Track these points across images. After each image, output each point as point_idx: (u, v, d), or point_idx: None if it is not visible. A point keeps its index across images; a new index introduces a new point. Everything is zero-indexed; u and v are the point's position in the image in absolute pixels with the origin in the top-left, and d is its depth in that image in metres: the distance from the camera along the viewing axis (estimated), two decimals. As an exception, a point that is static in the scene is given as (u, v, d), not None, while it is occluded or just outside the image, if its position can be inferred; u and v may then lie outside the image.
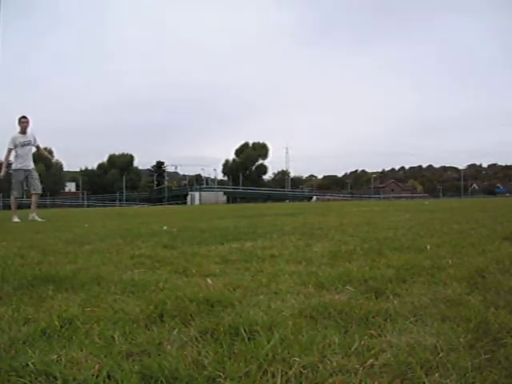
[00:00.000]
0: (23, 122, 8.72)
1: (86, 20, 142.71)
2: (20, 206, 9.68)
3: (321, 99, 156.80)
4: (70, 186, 74.81)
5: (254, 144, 76.89)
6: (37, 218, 8.59)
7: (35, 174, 8.89)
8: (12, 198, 8.92)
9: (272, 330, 1.28)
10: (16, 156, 8.72)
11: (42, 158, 9.44)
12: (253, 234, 4.19)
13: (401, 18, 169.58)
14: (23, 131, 8.74)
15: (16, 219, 8.41)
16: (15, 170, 8.78)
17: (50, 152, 70.26)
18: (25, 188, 8.98)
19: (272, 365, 1.07)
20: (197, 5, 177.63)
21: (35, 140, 8.92)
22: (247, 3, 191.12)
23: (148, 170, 77.86)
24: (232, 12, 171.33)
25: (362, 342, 1.19)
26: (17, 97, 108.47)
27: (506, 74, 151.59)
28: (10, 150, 8.69)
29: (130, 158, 76.18)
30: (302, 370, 1.05)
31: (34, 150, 9.01)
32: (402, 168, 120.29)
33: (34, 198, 8.98)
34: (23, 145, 8.72)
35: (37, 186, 8.84)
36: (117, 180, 68.34)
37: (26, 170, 8.77)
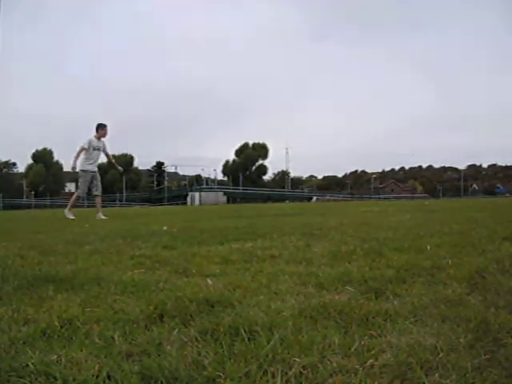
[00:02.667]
0: (103, 129, 9.34)
1: (87, 19, 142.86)
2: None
3: (321, 99, 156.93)
4: (70, 187, 74.75)
5: (253, 144, 76.89)
6: (102, 216, 8.87)
7: (99, 177, 9.50)
8: (75, 196, 9.34)
9: (272, 331, 1.28)
10: (87, 158, 9.24)
11: (112, 165, 10.26)
12: (253, 234, 4.19)
13: (401, 19, 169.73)
14: (99, 137, 9.33)
15: (72, 216, 8.81)
16: (84, 171, 9.27)
17: (50, 152, 70.53)
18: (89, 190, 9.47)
19: (272, 365, 1.07)
20: (196, 3, 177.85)
21: (105, 147, 9.51)
22: (248, 2, 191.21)
23: (148, 170, 77.86)
24: (232, 11, 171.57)
25: (362, 343, 1.19)
26: (15, 96, 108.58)
27: (506, 74, 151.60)
28: (82, 149, 9.18)
29: (130, 159, 76.17)
30: (302, 370, 1.05)
31: (101, 155, 9.61)
32: (402, 168, 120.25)
33: (98, 199, 9.52)
34: (95, 149, 9.29)
35: (99, 188, 9.45)
36: (117, 180, 68.30)
37: (92, 172, 9.33)
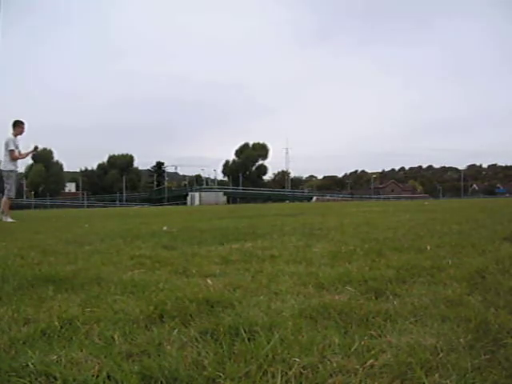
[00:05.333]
0: (22, 126, 8.83)
1: (87, 19, 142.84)
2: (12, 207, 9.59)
3: (321, 99, 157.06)
4: (70, 187, 74.94)
5: (254, 144, 76.98)
6: (9, 219, 8.51)
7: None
8: (6, 198, 8.78)
9: (272, 331, 1.28)
10: (14, 156, 8.79)
11: (24, 156, 9.47)
12: (253, 234, 4.19)
13: (402, 19, 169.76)
14: (16, 135, 8.82)
15: (11, 219, 8.44)
16: (13, 171, 8.86)
17: (50, 152, 70.33)
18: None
19: (272, 365, 1.07)
20: (197, 4, 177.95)
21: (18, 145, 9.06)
22: (250, 3, 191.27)
23: (148, 170, 77.89)
24: (232, 11, 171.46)
25: (362, 343, 1.19)
26: (16, 97, 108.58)
27: (506, 74, 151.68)
28: (14, 151, 8.76)
29: (130, 159, 76.26)
30: (301, 370, 1.05)
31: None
32: (402, 168, 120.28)
33: (9, 202, 8.90)
34: (17, 148, 8.83)
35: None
36: (117, 180, 68.38)
37: (16, 172, 8.98)
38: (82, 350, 1.19)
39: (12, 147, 8.71)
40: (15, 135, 8.81)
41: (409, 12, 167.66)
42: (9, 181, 8.81)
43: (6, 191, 8.80)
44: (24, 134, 8.94)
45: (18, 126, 8.80)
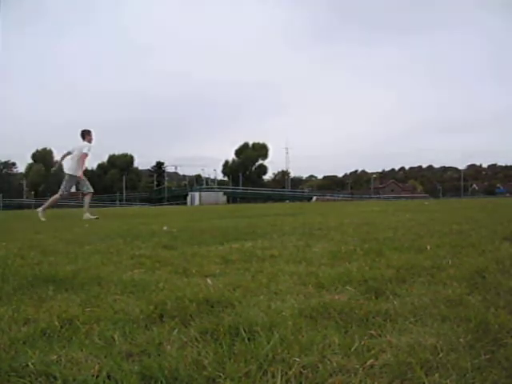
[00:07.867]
0: (91, 135, 9.51)
1: (87, 20, 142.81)
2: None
3: (321, 99, 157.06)
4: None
5: (253, 144, 76.91)
6: (92, 216, 9.01)
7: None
8: (91, 194, 9.60)
9: (272, 331, 1.28)
10: (84, 161, 9.56)
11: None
12: (253, 234, 4.19)
13: (402, 20, 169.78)
14: (89, 142, 9.53)
15: (92, 216, 8.95)
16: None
17: (50, 152, 70.55)
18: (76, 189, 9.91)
19: (272, 365, 1.07)
20: (198, 2, 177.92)
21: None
22: (249, 1, 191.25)
23: (148, 170, 77.85)
24: (232, 10, 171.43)
25: (362, 343, 1.19)
26: (17, 96, 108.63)
27: (505, 75, 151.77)
28: (86, 156, 9.42)
29: (130, 159, 76.24)
30: (302, 370, 1.05)
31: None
32: (402, 168, 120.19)
33: (90, 195, 9.66)
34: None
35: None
36: (117, 180, 68.38)
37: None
38: (82, 350, 1.19)
39: (86, 151, 9.29)
40: (89, 142, 9.43)
41: (410, 13, 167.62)
42: (82, 181, 9.43)
43: (84, 189, 9.47)
44: (93, 142, 9.58)
45: (87, 134, 9.41)
